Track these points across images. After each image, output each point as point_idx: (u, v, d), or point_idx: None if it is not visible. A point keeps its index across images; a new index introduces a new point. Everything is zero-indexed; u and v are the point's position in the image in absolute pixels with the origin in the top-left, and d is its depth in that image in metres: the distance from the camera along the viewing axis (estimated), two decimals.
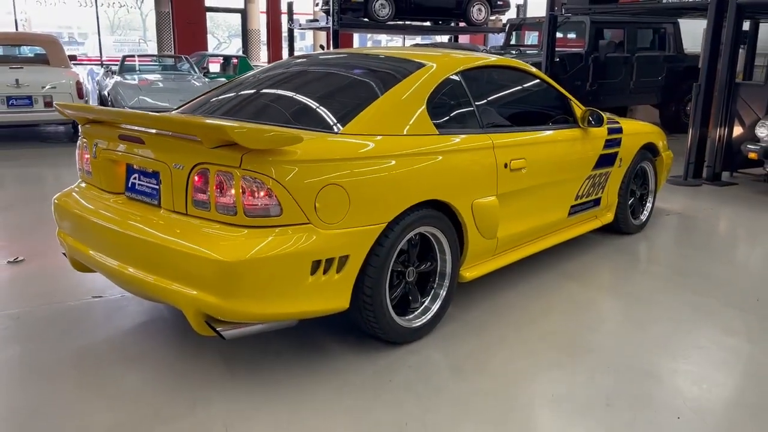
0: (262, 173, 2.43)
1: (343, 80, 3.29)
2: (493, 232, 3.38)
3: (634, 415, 2.49)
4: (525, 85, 3.94)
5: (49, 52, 9.82)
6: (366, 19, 13.51)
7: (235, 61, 13.45)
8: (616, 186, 4.54)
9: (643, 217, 4.96)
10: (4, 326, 3.17)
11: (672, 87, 10.70)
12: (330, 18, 13.00)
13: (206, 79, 10.69)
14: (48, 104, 9.04)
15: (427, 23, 14.59)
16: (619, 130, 4.44)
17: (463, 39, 17.77)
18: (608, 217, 4.58)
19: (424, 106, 3.11)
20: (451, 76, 3.34)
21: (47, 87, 9.00)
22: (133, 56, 11.14)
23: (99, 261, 2.83)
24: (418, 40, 18.36)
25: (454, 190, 3.09)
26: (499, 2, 14.82)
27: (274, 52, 17.08)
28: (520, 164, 3.49)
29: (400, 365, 2.84)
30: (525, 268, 4.06)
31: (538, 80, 3.98)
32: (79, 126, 3.19)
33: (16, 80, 8.85)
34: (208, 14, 16.79)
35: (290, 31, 15.60)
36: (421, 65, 3.30)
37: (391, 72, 3.24)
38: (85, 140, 3.12)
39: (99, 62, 13.97)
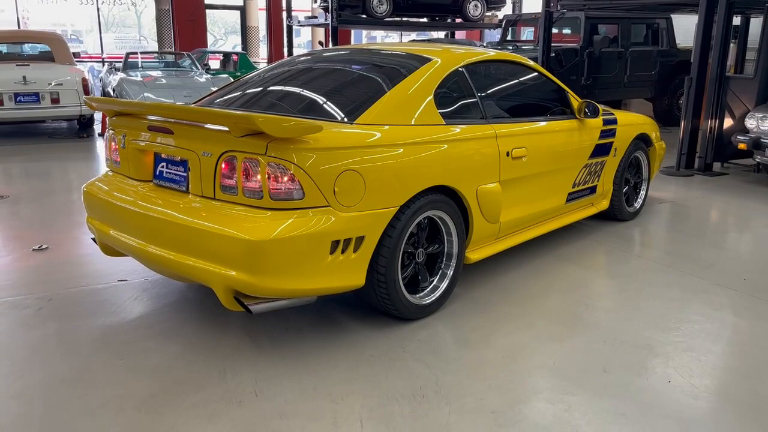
0: (286, 159, 2.65)
1: (353, 75, 3.50)
2: (496, 217, 3.60)
3: (628, 380, 2.72)
4: (525, 79, 4.16)
5: (54, 49, 10.00)
6: (364, 16, 13.72)
7: (235, 57, 13.63)
8: (611, 174, 4.77)
9: (637, 205, 5.19)
10: (38, 307, 3.38)
11: (665, 81, 10.94)
12: (329, 14, 13.19)
13: (208, 75, 10.88)
14: (54, 101, 9.22)
15: (424, 19, 14.79)
16: (614, 122, 4.67)
17: (460, 35, 17.97)
18: (604, 204, 4.80)
19: (431, 98, 3.32)
20: (456, 70, 3.56)
21: (54, 84, 9.17)
22: (136, 53, 11.31)
23: (130, 244, 3.04)
24: (414, 36, 18.56)
25: (460, 176, 3.30)
26: None
27: (276, 48, 17.23)
28: (521, 153, 3.71)
29: (412, 338, 3.06)
30: (525, 252, 4.29)
31: (537, 74, 4.20)
32: (107, 118, 3.39)
33: (24, 77, 9.02)
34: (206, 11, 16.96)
35: (289, 28, 15.80)
36: (427, 60, 3.51)
37: (399, 67, 3.45)
38: (113, 131, 3.32)
39: (100, 59, 14.12)
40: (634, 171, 5.14)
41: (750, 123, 6.54)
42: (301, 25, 15.50)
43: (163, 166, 3.11)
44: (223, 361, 2.83)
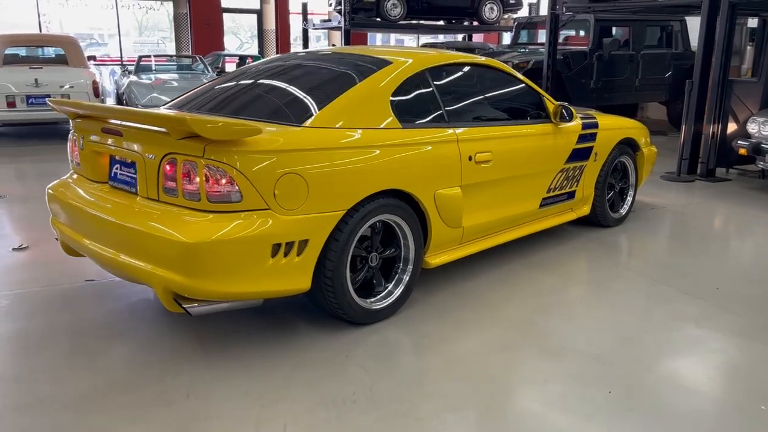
0: (223, 162, 2.66)
1: (314, 77, 3.50)
2: (457, 222, 3.56)
3: (565, 390, 2.66)
4: (496, 83, 4.11)
5: (67, 52, 10.21)
6: (378, 19, 13.73)
7: (249, 60, 13.76)
8: (593, 180, 4.69)
9: (623, 211, 5.09)
10: (4, 304, 3.44)
11: (679, 84, 10.69)
12: (342, 18, 13.24)
13: None
14: None
15: (441, 22, 14.74)
16: (595, 125, 4.59)
17: (477, 38, 17.87)
18: (584, 210, 4.72)
19: (387, 102, 3.31)
20: (417, 74, 3.53)
21: (65, 86, 9.37)
22: (149, 56, 11.49)
23: (85, 245, 3.08)
24: (428, 39, 18.48)
25: (415, 180, 3.28)
26: (511, 1, 14.92)
27: (284, 51, 17.34)
28: (485, 157, 3.67)
29: (360, 343, 3.05)
30: (497, 257, 4.23)
31: (509, 78, 4.15)
32: (70, 121, 3.45)
33: (35, 80, 9.23)
34: (231, 15, 17.18)
35: (305, 31, 15.88)
36: (387, 63, 3.50)
37: (359, 69, 3.44)
38: (75, 134, 3.37)
39: (120, 62, 14.39)
40: (620, 176, 5.05)
41: (751, 128, 6.37)
42: (315, 29, 15.58)
43: (117, 168, 3.15)
44: (167, 362, 2.85)
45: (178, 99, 3.85)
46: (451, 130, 3.53)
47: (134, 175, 3.01)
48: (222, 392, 2.62)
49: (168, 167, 2.79)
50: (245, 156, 2.69)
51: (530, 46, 11.54)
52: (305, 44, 15.90)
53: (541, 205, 4.25)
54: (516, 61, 9.59)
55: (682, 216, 5.48)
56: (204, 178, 2.68)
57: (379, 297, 3.29)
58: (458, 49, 14.19)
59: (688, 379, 2.77)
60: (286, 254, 2.82)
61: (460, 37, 17.33)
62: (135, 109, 2.92)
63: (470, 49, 13.77)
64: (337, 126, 3.07)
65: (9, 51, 10.01)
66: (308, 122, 3.04)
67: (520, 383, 2.71)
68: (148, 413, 2.46)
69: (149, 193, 2.89)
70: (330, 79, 3.42)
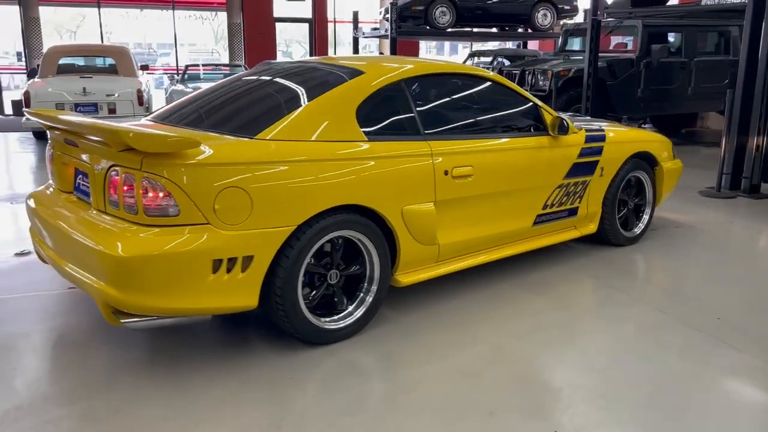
0: (160, 175, 2.61)
1: (283, 89, 3.42)
2: (430, 239, 3.39)
3: (510, 426, 2.45)
4: (483, 93, 3.92)
5: (118, 62, 10.58)
6: (427, 27, 13.61)
7: None
8: (600, 196, 4.40)
9: (638, 230, 4.77)
10: None
11: None
12: (388, 26, 13.21)
13: None
14: (111, 111, 9.75)
15: (494, 29, 14.46)
16: (601, 138, 4.31)
17: (532, 45, 17.44)
18: (590, 228, 4.44)
19: (352, 114, 3.18)
20: (391, 85, 3.39)
21: (112, 95, 9.71)
22: (196, 65, 11.78)
23: (48, 253, 3.11)
24: (479, 46, 18.16)
25: (378, 196, 3.13)
26: (565, 7, 14.50)
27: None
28: (464, 171, 3.49)
29: (311, 365, 2.93)
30: (482, 276, 4.02)
31: (499, 88, 3.94)
32: (47, 132, 3.49)
33: (84, 89, 9.61)
34: (295, 25, 17.47)
35: (355, 39, 15.94)
36: (360, 73, 3.37)
37: (329, 81, 3.34)
38: (50, 144, 3.42)
39: (175, 71, 14.85)
40: (634, 192, 4.73)
41: None
42: (365, 37, 15.60)
43: (80, 179, 3.16)
44: (106, 377, 2.82)
45: (162, 110, 3.85)
46: (425, 144, 3.37)
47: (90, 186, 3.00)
48: (152, 410, 2.55)
49: (113, 179, 2.77)
50: (182, 169, 2.63)
51: (577, 54, 11.14)
52: (355, 53, 15.97)
53: (536, 222, 4.01)
54: (557, 69, 9.26)
55: (705, 236, 5.08)
56: (142, 191, 2.64)
57: (339, 317, 3.16)
58: (507, 57, 13.93)
59: (660, 410, 2.51)
60: (228, 270, 2.74)
61: (510, 44, 16.98)
62: (84, 120, 2.91)
63: (519, 57, 13.46)
64: (291, 139, 2.97)
65: (63, 61, 10.46)
66: (261, 135, 2.95)
67: (464, 414, 2.52)
68: (72, 428, 2.42)
69: (98, 205, 2.88)
70: (297, 90, 3.33)
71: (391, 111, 3.39)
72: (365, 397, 2.66)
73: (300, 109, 3.10)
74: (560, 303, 3.66)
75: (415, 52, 17.88)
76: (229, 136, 2.96)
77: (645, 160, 4.69)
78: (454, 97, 3.82)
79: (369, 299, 3.23)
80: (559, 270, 4.19)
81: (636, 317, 3.47)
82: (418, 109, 3.47)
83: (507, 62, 13.29)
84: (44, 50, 11.34)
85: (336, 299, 3.17)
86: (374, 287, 3.23)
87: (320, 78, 3.41)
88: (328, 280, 3.11)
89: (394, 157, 3.23)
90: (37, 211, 3.27)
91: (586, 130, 4.30)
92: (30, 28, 14.73)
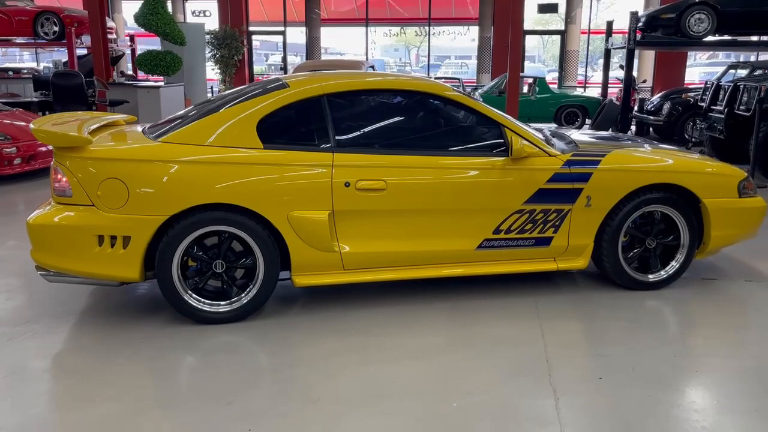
0: (62, 164, 3.38)
1: (224, 102, 3.81)
2: (326, 246, 3.55)
3: None
4: (432, 111, 3.86)
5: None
6: (677, 36, 12.33)
7: (530, 80, 13.83)
8: (591, 228, 3.88)
9: (664, 273, 4.03)
10: None
11: None
12: (628, 36, 12.34)
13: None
14: None
15: (754, 37, 12.40)
16: (591, 163, 3.82)
17: None
18: (578, 263, 3.94)
19: (253, 124, 3.54)
20: (308, 99, 3.63)
21: None
22: None
23: None
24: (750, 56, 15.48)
25: (259, 198, 3.44)
26: None
27: (499, 70, 16.00)
28: (372, 185, 3.55)
29: (173, 344, 3.35)
30: (404, 293, 3.93)
31: (459, 106, 3.82)
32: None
33: None
34: (543, 38, 17.37)
35: (606, 51, 15.08)
36: (282, 87, 3.69)
37: (252, 93, 3.72)
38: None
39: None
40: (658, 230, 4.01)
41: None
42: (614, 48, 14.65)
43: None
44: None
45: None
46: (328, 155, 3.54)
47: None
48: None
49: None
50: (76, 160, 3.37)
51: None
52: (606, 65, 15.10)
53: (482, 246, 3.78)
54: None
55: None
56: (53, 176, 3.44)
57: (224, 303, 3.56)
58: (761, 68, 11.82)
59: None
60: (112, 245, 3.40)
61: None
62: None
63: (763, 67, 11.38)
64: (185, 143, 3.48)
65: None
66: (164, 138, 3.53)
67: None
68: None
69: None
70: (227, 102, 3.76)
71: (301, 123, 3.64)
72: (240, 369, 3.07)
73: (206, 117, 3.59)
74: (472, 347, 3.46)
75: (682, 63, 16.09)
76: (147, 139, 3.59)
77: (678, 194, 3.95)
78: (387, 113, 3.85)
79: (254, 291, 3.56)
80: (513, 302, 3.86)
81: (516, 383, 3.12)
82: (335, 123, 3.64)
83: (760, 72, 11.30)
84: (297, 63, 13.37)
85: (225, 287, 3.59)
86: (259, 281, 3.55)
87: (251, 91, 3.80)
88: (213, 269, 3.54)
89: (284, 165, 3.50)
90: None
91: (574, 154, 3.86)
92: (313, 46, 17.34)
